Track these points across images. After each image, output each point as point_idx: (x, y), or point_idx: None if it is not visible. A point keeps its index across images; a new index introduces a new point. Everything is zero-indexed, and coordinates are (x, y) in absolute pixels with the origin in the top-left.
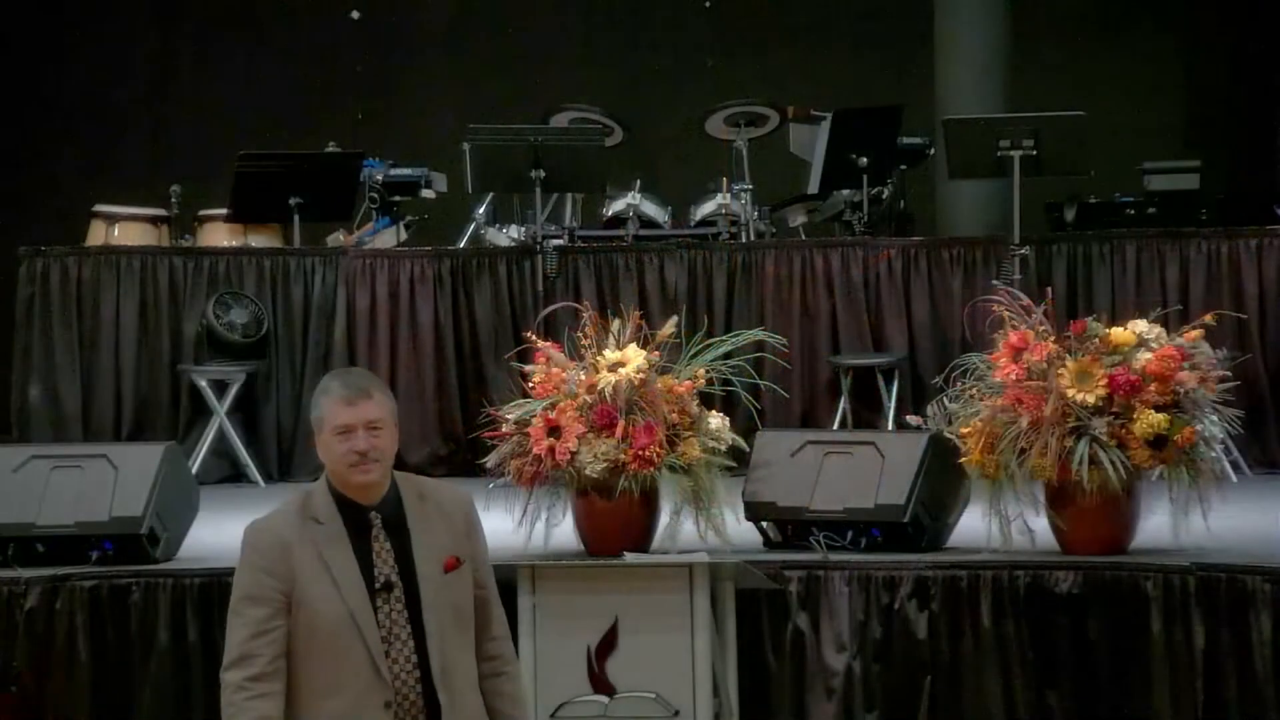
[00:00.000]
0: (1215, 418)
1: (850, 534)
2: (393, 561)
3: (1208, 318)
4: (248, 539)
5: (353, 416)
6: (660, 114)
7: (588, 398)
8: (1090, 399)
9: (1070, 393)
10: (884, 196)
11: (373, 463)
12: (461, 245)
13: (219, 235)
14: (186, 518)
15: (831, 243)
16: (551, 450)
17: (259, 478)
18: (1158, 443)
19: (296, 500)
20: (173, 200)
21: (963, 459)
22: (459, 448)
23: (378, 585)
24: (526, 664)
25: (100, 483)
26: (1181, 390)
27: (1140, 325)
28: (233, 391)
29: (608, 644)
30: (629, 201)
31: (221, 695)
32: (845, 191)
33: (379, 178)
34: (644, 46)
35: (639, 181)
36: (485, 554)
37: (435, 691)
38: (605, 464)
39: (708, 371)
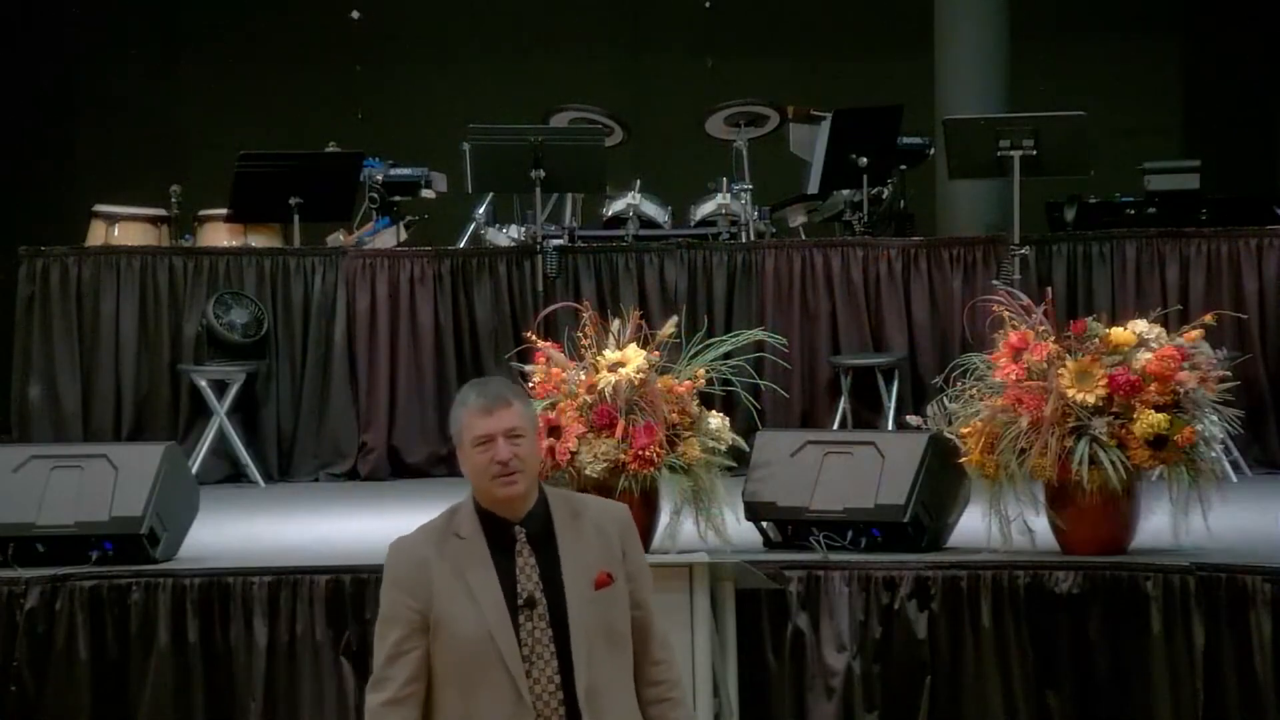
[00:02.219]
0: (1215, 418)
1: (850, 534)
2: (537, 578)
3: (1208, 318)
4: (389, 557)
5: (491, 426)
6: (660, 114)
7: (588, 398)
8: (1090, 399)
9: (1070, 393)
10: (884, 196)
11: (515, 473)
12: (461, 245)
13: (219, 235)
14: (186, 518)
15: (831, 243)
16: (551, 450)
17: (259, 478)
18: (1158, 443)
19: (442, 516)
20: (173, 200)
21: (963, 459)
22: None
23: (520, 602)
24: None
25: (100, 483)
26: (1181, 390)
27: (1140, 325)
28: (233, 391)
29: None
30: (629, 201)
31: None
32: (845, 191)
33: (379, 178)
34: (644, 46)
35: (639, 181)
36: (644, 573)
37: (580, 713)
38: (605, 464)
39: (708, 371)
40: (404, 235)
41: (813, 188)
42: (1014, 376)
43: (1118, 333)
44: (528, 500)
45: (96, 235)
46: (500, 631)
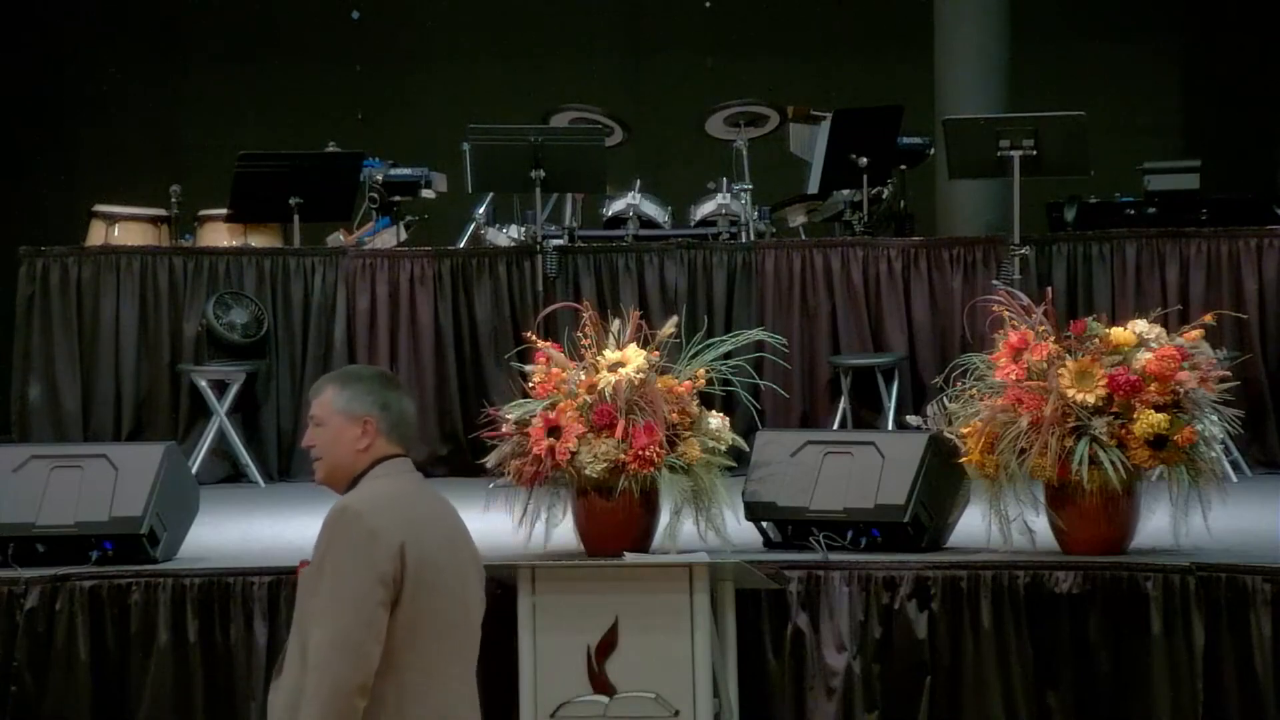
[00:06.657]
0: (1215, 418)
1: (850, 534)
2: None
3: (1208, 318)
4: None
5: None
6: (660, 114)
7: (588, 398)
8: (1090, 399)
9: (1070, 393)
10: (884, 196)
11: (316, 460)
12: (461, 245)
13: (219, 235)
14: (186, 518)
15: (831, 243)
16: (551, 450)
17: (259, 478)
18: (1158, 443)
19: None
20: (173, 200)
21: (963, 459)
22: (459, 448)
23: None
24: (526, 664)
25: (100, 483)
26: (1181, 390)
27: (1140, 325)
28: (233, 391)
29: (608, 644)
30: (629, 201)
31: None
32: (845, 191)
33: (379, 178)
34: (644, 47)
35: (639, 181)
36: (324, 578)
37: None
38: (605, 464)
39: (708, 371)
40: (404, 235)
41: (813, 188)
42: (1014, 376)
43: (1118, 333)
44: (335, 483)
45: (96, 235)
46: None
